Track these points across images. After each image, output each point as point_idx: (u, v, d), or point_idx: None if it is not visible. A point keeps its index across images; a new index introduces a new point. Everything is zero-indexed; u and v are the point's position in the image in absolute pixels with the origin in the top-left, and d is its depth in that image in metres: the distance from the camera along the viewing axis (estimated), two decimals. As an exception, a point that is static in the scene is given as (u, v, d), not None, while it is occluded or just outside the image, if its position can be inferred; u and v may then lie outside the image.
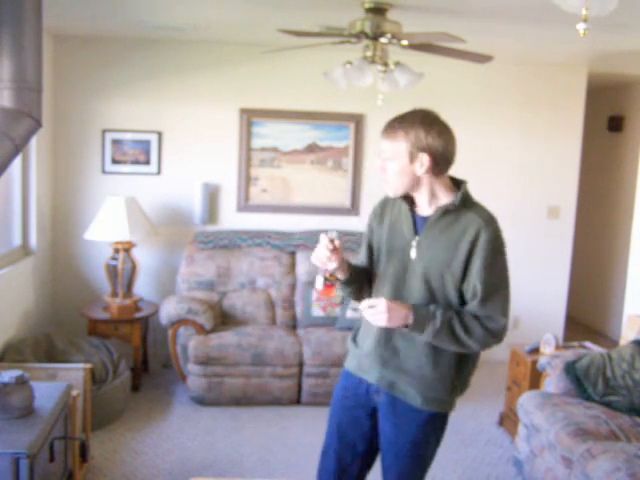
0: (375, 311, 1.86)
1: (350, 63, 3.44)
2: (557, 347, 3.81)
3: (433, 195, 1.98)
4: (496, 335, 1.94)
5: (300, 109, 4.85)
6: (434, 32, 3.17)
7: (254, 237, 4.74)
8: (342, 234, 1.94)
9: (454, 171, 2.04)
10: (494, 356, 5.21)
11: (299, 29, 3.40)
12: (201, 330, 4.11)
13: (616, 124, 6.12)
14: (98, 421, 3.64)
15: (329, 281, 1.98)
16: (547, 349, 3.82)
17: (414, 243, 1.98)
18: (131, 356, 4.27)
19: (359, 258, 2.19)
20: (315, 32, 3.42)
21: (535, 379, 3.69)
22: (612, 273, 6.10)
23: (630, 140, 5.91)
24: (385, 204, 2.13)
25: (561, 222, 5.29)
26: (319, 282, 1.99)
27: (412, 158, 1.91)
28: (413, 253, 1.97)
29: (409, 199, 2.02)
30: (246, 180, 4.91)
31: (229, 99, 4.82)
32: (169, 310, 4.15)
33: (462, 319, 1.90)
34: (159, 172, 4.81)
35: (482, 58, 3.49)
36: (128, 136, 4.75)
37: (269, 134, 4.90)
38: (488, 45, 4.10)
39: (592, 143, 6.10)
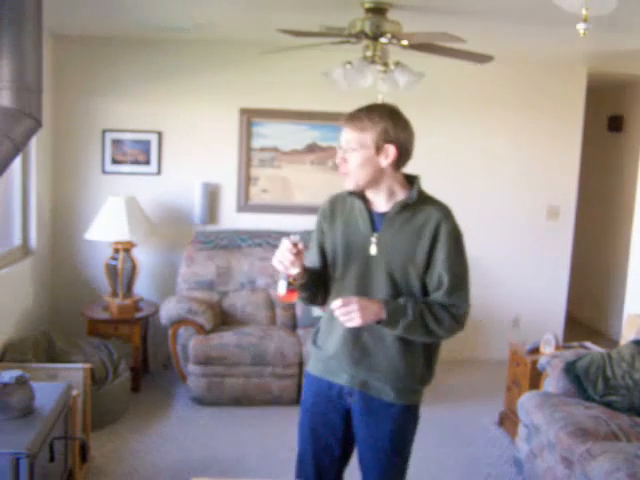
0: (348, 310, 1.84)
1: (350, 63, 3.44)
2: (557, 347, 3.81)
3: (391, 190, 1.99)
4: (461, 321, 1.99)
5: (300, 109, 4.85)
6: (434, 32, 3.17)
7: (254, 237, 4.74)
8: (305, 234, 1.93)
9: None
10: (494, 356, 5.22)
11: (299, 29, 3.40)
12: (201, 330, 4.11)
13: (616, 124, 6.12)
14: (98, 421, 3.64)
15: (292, 285, 1.93)
16: (547, 349, 3.82)
17: (373, 240, 1.97)
18: (131, 356, 4.27)
19: (310, 260, 2.12)
20: (315, 32, 3.42)
21: (535, 379, 3.69)
22: (612, 273, 6.10)
23: (630, 140, 5.91)
24: (334, 204, 2.09)
25: (561, 222, 5.29)
26: (282, 287, 1.93)
27: (378, 149, 1.92)
28: (373, 250, 1.97)
29: (362, 196, 2.02)
30: (246, 180, 4.91)
31: (229, 99, 4.82)
32: (169, 310, 4.15)
33: (431, 310, 1.93)
34: (159, 172, 4.82)
35: (482, 58, 3.49)
36: (128, 136, 4.75)
37: (269, 134, 4.90)
38: (488, 45, 4.09)
39: (592, 143, 6.10)
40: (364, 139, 1.90)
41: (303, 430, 2.19)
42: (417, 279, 1.96)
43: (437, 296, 1.95)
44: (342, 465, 2.20)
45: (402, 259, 1.95)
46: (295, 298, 1.97)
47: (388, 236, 1.96)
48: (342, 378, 2.06)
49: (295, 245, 1.87)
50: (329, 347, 2.07)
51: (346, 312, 1.84)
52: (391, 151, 1.92)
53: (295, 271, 1.90)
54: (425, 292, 1.99)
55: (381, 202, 2.00)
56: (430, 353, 2.07)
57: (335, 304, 1.86)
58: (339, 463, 2.19)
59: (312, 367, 2.18)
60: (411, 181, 2.03)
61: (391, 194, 1.99)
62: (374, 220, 1.99)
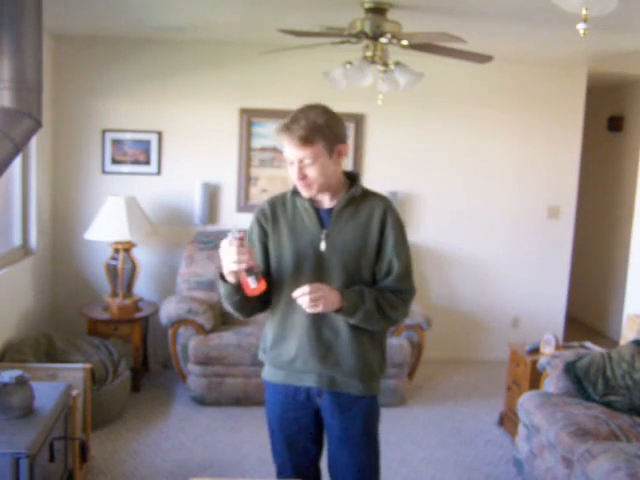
0: (312, 297, 1.84)
1: (350, 63, 3.44)
2: (557, 347, 3.81)
3: (337, 186, 2.02)
4: (409, 307, 2.06)
5: (300, 109, 4.84)
6: (434, 32, 3.17)
7: (254, 237, 4.73)
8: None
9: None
10: (494, 356, 5.22)
11: (299, 29, 3.40)
12: (201, 330, 4.11)
13: (616, 124, 6.12)
14: (98, 421, 3.64)
15: (258, 275, 1.90)
16: (547, 349, 3.82)
17: (322, 236, 1.99)
18: (131, 356, 4.27)
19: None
20: (315, 32, 3.42)
21: (535, 379, 3.69)
22: (612, 273, 6.10)
23: (630, 140, 5.91)
24: (274, 207, 2.08)
25: (561, 222, 5.29)
26: (252, 281, 1.89)
27: (331, 153, 1.94)
28: (323, 246, 1.99)
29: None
30: (246, 180, 4.91)
31: (229, 99, 4.82)
32: (169, 310, 4.15)
33: (385, 296, 1.98)
34: (159, 172, 4.82)
35: (482, 58, 3.49)
36: (128, 136, 4.75)
37: (269, 134, 4.89)
38: (488, 45, 4.09)
39: (592, 143, 6.10)
40: (316, 151, 1.90)
41: (278, 441, 2.20)
42: (368, 269, 2.01)
43: (387, 282, 2.01)
44: (317, 461, 2.24)
45: (353, 251, 1.99)
46: (264, 286, 1.93)
47: (336, 231, 1.99)
48: (309, 379, 2.07)
49: (241, 239, 1.85)
50: (290, 351, 2.06)
51: (314, 298, 1.84)
52: (343, 150, 1.98)
53: (252, 262, 1.87)
54: (374, 281, 2.04)
55: (326, 199, 2.03)
56: (383, 342, 2.13)
57: (303, 290, 1.85)
58: (316, 462, 2.24)
59: (271, 376, 2.16)
60: (351, 177, 2.08)
61: (336, 190, 2.03)
62: (321, 217, 2.02)
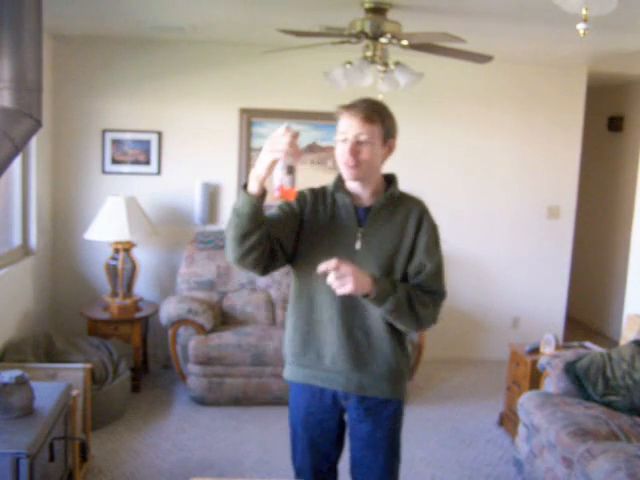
0: (340, 274, 1.77)
1: (350, 63, 3.44)
2: (557, 347, 3.81)
3: (377, 185, 2.02)
4: (439, 310, 2.00)
5: (300, 109, 4.85)
6: (434, 32, 3.17)
7: (254, 237, 4.73)
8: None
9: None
10: (494, 356, 5.22)
11: (299, 29, 3.40)
12: (201, 330, 4.11)
13: (616, 124, 6.12)
14: (98, 421, 3.64)
15: (294, 181, 1.78)
16: (547, 349, 3.82)
17: (358, 234, 1.98)
18: (131, 356, 4.27)
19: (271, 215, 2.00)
20: (315, 32, 3.42)
21: (535, 379, 3.69)
22: (612, 273, 6.10)
23: (630, 140, 5.91)
24: (315, 197, 2.05)
25: (561, 222, 5.29)
26: (289, 181, 1.75)
27: (383, 143, 1.95)
28: (358, 244, 1.97)
29: (346, 192, 2.02)
30: (246, 180, 4.90)
31: (229, 99, 4.82)
32: (169, 310, 4.15)
33: (417, 292, 1.94)
34: (159, 172, 4.82)
35: (482, 58, 3.49)
36: (128, 136, 4.75)
37: (269, 134, 4.85)
38: (488, 45, 4.09)
39: (592, 143, 6.10)
40: (374, 132, 1.91)
41: (300, 443, 2.15)
42: (401, 270, 1.98)
43: (418, 280, 1.97)
44: (337, 464, 2.22)
45: (387, 252, 1.97)
46: (295, 196, 1.82)
47: (373, 230, 1.98)
48: (335, 383, 2.03)
49: (295, 136, 1.75)
50: (317, 349, 2.02)
51: (340, 275, 1.77)
52: (392, 146, 1.99)
53: (293, 162, 1.76)
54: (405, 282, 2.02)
55: (366, 196, 2.01)
56: (407, 348, 2.10)
57: (330, 264, 1.77)
58: (335, 466, 2.21)
59: (294, 375, 2.11)
60: (388, 179, 2.07)
61: (376, 189, 2.02)
62: (358, 215, 2.00)
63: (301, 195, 2.04)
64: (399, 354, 2.03)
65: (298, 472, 2.19)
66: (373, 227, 1.98)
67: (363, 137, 1.90)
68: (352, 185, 2.01)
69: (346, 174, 1.96)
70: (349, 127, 1.91)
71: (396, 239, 1.97)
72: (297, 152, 1.75)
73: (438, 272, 1.99)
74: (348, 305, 1.97)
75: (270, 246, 1.91)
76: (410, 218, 1.99)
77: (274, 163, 1.77)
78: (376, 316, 1.97)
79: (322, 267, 1.80)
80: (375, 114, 1.91)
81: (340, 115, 1.94)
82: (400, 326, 1.96)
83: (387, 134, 1.95)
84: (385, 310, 1.88)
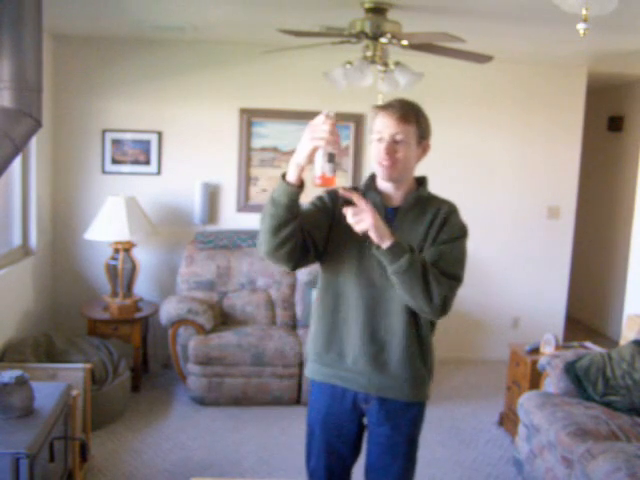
0: (359, 210, 1.78)
1: (350, 63, 3.44)
2: (557, 347, 3.81)
3: (410, 185, 2.01)
4: (451, 296, 1.88)
5: (300, 109, 4.85)
6: (434, 32, 3.17)
7: (254, 237, 4.74)
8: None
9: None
10: (494, 356, 5.22)
11: (299, 29, 3.40)
12: (201, 330, 4.11)
13: (616, 124, 6.12)
14: (98, 421, 3.64)
15: (335, 168, 1.77)
16: (547, 349, 3.82)
17: None
18: (131, 356, 4.27)
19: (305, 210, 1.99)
20: (315, 32, 3.42)
21: (535, 379, 3.69)
22: (612, 273, 6.10)
23: (630, 140, 5.91)
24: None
25: (561, 222, 5.29)
26: (330, 169, 1.74)
27: (418, 144, 1.95)
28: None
29: (377, 191, 2.01)
30: (246, 180, 4.91)
31: (229, 99, 4.82)
32: (169, 310, 4.15)
33: (433, 268, 1.87)
34: (159, 172, 4.82)
35: (482, 58, 3.49)
36: (128, 136, 4.75)
37: (269, 134, 4.90)
38: (488, 45, 4.10)
39: (592, 143, 6.10)
40: (410, 132, 1.91)
41: (316, 444, 2.13)
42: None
43: (436, 264, 1.91)
44: (351, 468, 2.19)
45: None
46: (334, 183, 1.79)
47: (400, 230, 1.96)
48: (356, 384, 2.01)
49: (333, 121, 1.74)
50: (340, 347, 2.01)
51: (358, 211, 1.78)
52: (427, 147, 1.99)
53: (335, 150, 1.75)
54: None
55: (397, 197, 2.00)
56: (432, 347, 2.08)
57: (350, 193, 1.81)
58: (349, 469, 2.18)
59: (316, 373, 2.09)
60: (419, 181, 2.06)
61: (408, 190, 2.01)
62: (387, 215, 1.99)
63: (334, 193, 2.03)
64: (423, 356, 2.01)
65: (311, 474, 2.17)
66: (400, 228, 1.96)
67: (399, 137, 1.90)
68: (384, 185, 2.00)
69: (381, 173, 1.95)
70: (385, 127, 1.91)
71: (422, 239, 1.96)
72: (338, 139, 1.74)
73: (458, 259, 1.94)
74: (373, 305, 1.96)
75: (302, 240, 1.91)
76: (437, 217, 1.97)
77: (314, 151, 1.75)
78: (401, 318, 1.95)
79: (344, 192, 1.82)
80: (411, 114, 1.92)
81: (375, 115, 1.94)
82: (410, 300, 1.87)
83: (422, 135, 1.95)
84: (398, 268, 1.81)
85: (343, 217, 1.92)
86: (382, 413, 2.02)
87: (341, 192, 1.85)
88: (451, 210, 2.00)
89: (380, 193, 2.01)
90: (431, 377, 2.08)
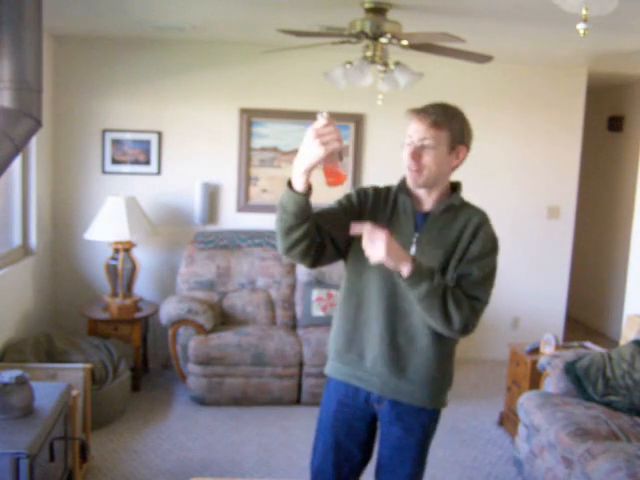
0: (373, 238, 1.75)
1: (350, 63, 3.44)
2: (557, 347, 3.81)
3: (442, 191, 1.97)
4: (476, 317, 1.91)
5: (300, 109, 4.85)
6: (434, 32, 3.17)
7: (254, 237, 4.74)
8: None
9: (454, 171, 2.05)
10: (494, 356, 5.22)
11: (299, 29, 3.40)
12: (201, 330, 4.11)
13: (616, 124, 6.12)
14: (98, 421, 3.64)
15: (342, 164, 1.76)
16: (547, 349, 3.82)
17: (414, 239, 1.94)
18: (131, 356, 4.27)
19: (329, 209, 1.99)
20: (315, 32, 3.42)
21: (535, 379, 3.69)
22: (612, 273, 6.10)
23: (630, 140, 5.91)
24: (377, 195, 2.02)
25: (561, 222, 5.29)
26: (339, 167, 1.74)
27: (451, 149, 1.91)
28: (413, 249, 1.94)
29: (409, 195, 1.99)
30: (246, 180, 4.91)
31: (229, 99, 4.82)
32: (169, 310, 4.15)
33: (454, 292, 1.86)
34: (159, 172, 4.82)
35: (482, 58, 3.49)
36: (128, 136, 4.75)
37: (269, 134, 4.90)
38: (488, 45, 4.10)
39: (592, 143, 6.10)
40: (440, 137, 1.88)
41: (323, 440, 2.11)
42: (452, 279, 1.91)
43: (461, 284, 1.90)
44: (361, 470, 2.17)
45: (440, 260, 1.91)
46: (344, 179, 1.77)
47: (428, 238, 1.94)
48: (373, 385, 2.00)
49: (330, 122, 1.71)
50: (359, 348, 2.00)
51: (372, 238, 1.75)
52: (462, 153, 1.94)
53: (340, 147, 1.72)
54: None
55: (428, 202, 1.97)
56: (453, 357, 2.06)
57: (365, 227, 1.77)
58: (358, 470, 2.15)
59: (334, 372, 2.08)
60: (453, 187, 2.03)
61: (441, 196, 1.98)
62: (416, 220, 1.97)
63: (363, 192, 2.02)
64: (442, 362, 1.99)
65: (317, 473, 2.14)
66: (429, 234, 1.94)
67: (427, 142, 1.87)
68: (415, 189, 1.97)
69: (408, 178, 1.93)
70: (415, 131, 1.89)
71: (450, 248, 1.92)
72: (341, 137, 1.71)
73: (485, 280, 1.92)
74: (395, 308, 1.93)
75: (320, 240, 1.89)
76: (468, 227, 1.93)
77: (331, 155, 1.72)
78: (422, 322, 1.92)
79: (356, 228, 1.79)
80: (443, 119, 1.88)
81: (410, 119, 1.92)
82: (431, 321, 1.87)
83: (455, 140, 1.91)
84: (417, 295, 1.82)
85: (371, 217, 1.93)
86: (394, 414, 2.01)
87: (352, 231, 1.81)
88: (483, 220, 1.96)
89: (412, 197, 1.98)
90: (450, 385, 2.06)
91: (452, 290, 1.86)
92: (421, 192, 1.97)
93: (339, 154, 1.74)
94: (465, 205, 2.00)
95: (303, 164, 1.73)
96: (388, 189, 2.04)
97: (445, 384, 2.03)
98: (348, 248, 2.00)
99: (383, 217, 1.98)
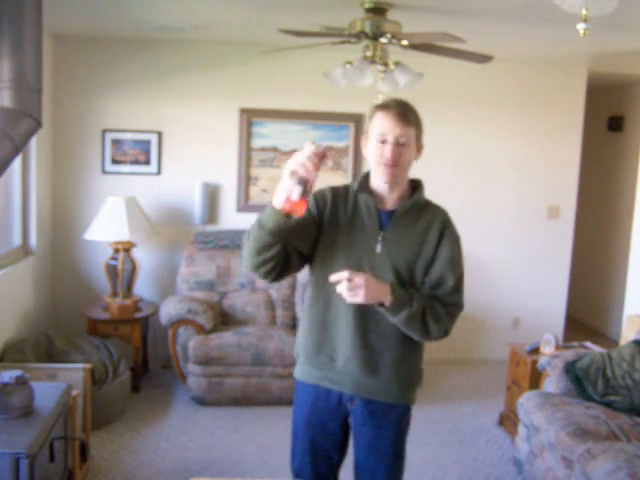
0: (352, 285, 1.78)
1: (350, 63, 3.44)
2: (557, 347, 3.81)
3: (404, 189, 1.99)
4: (452, 323, 1.98)
5: (300, 109, 4.85)
6: (434, 32, 3.17)
7: (254, 237, 4.73)
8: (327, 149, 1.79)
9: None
10: (494, 356, 5.22)
11: (299, 29, 3.40)
12: (201, 330, 4.11)
13: (616, 124, 6.12)
14: (98, 421, 3.64)
15: (305, 194, 1.73)
16: (547, 349, 3.82)
17: (379, 238, 1.95)
18: (131, 356, 4.27)
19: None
20: (315, 32, 3.42)
21: (535, 379, 3.69)
22: (612, 273, 6.10)
23: (630, 140, 5.91)
24: (335, 195, 2.01)
25: (561, 222, 5.29)
26: (296, 192, 1.71)
27: (416, 147, 1.95)
28: (379, 248, 1.94)
29: (370, 194, 1.98)
30: (246, 180, 4.91)
31: (229, 99, 4.82)
32: (169, 310, 4.15)
33: (433, 307, 1.92)
34: (159, 172, 4.82)
35: (482, 58, 3.49)
36: (128, 136, 4.75)
37: (269, 134, 4.90)
38: (488, 45, 4.10)
39: (592, 143, 6.10)
40: (411, 135, 1.91)
41: (300, 443, 2.13)
42: (421, 278, 1.96)
43: (438, 293, 1.95)
44: (339, 468, 2.19)
45: (408, 259, 1.94)
46: (303, 210, 1.76)
47: (394, 235, 1.95)
48: (344, 385, 2.01)
49: (321, 153, 1.74)
50: (331, 350, 2.00)
51: (352, 286, 1.78)
52: (421, 149, 1.98)
53: (314, 178, 1.73)
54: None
55: (392, 200, 1.98)
56: (422, 353, 2.09)
57: (341, 274, 1.80)
58: (336, 469, 2.18)
59: (305, 375, 2.09)
60: (414, 184, 2.04)
61: (402, 193, 1.99)
62: (381, 218, 1.97)
63: (320, 195, 2.01)
64: (413, 359, 2.03)
65: (297, 473, 2.17)
66: (395, 232, 1.95)
67: (402, 139, 1.89)
68: (379, 186, 1.98)
69: (384, 175, 1.92)
70: (389, 129, 1.88)
71: (416, 247, 1.95)
72: (313, 166, 1.72)
73: (459, 285, 1.98)
74: (364, 309, 1.94)
75: (286, 257, 1.90)
76: (432, 227, 1.96)
77: (293, 174, 1.73)
78: (390, 323, 1.94)
79: (334, 278, 1.82)
80: (411, 116, 1.91)
81: (374, 114, 1.92)
82: (410, 334, 1.94)
83: (418, 136, 1.95)
84: (398, 321, 1.88)
85: (332, 220, 1.94)
86: (366, 413, 2.03)
87: (331, 279, 1.83)
88: (446, 220, 2.00)
89: (373, 195, 1.98)
90: (420, 381, 2.10)
91: (430, 306, 1.91)
92: (384, 190, 1.98)
93: (300, 178, 1.73)
94: (428, 203, 2.03)
95: (281, 184, 1.76)
96: (346, 188, 2.04)
97: (416, 379, 2.07)
98: (313, 254, 2.00)
99: (344, 217, 1.98)
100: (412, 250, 1.94)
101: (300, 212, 1.75)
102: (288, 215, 1.77)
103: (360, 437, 2.07)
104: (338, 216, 1.98)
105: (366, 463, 2.09)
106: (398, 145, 1.89)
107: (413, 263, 1.95)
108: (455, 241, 1.98)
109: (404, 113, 1.89)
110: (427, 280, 1.96)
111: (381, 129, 1.90)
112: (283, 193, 1.75)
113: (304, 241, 1.96)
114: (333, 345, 2.00)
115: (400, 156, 1.90)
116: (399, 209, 1.96)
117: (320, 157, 1.75)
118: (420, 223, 1.97)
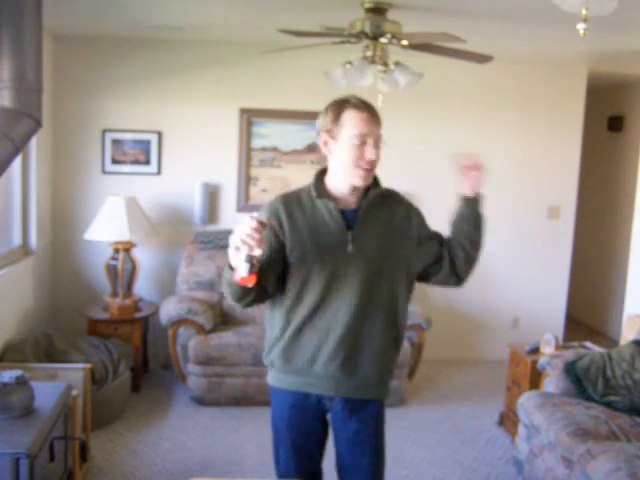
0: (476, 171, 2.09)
1: (350, 63, 3.44)
2: (557, 347, 3.81)
3: (366, 187, 2.00)
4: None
5: (300, 109, 4.85)
6: (434, 32, 3.17)
7: (254, 237, 4.73)
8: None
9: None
10: (494, 356, 5.22)
11: (299, 29, 3.40)
12: (201, 330, 4.11)
13: (616, 124, 6.12)
14: (98, 421, 3.64)
15: (254, 267, 1.74)
16: (547, 349, 3.82)
17: (349, 237, 1.93)
18: (131, 356, 4.27)
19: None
20: (315, 32, 3.42)
21: (535, 379, 3.69)
22: (612, 273, 6.10)
23: (630, 140, 5.91)
24: (288, 205, 1.97)
25: (561, 222, 5.29)
26: (243, 268, 1.73)
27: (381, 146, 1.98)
28: (350, 247, 1.93)
29: (327, 197, 1.97)
30: (246, 180, 4.91)
31: (229, 99, 4.82)
32: (169, 310, 4.15)
33: None
34: (159, 172, 4.82)
35: (482, 58, 3.49)
36: (128, 136, 4.75)
37: (269, 134, 4.90)
38: (488, 45, 4.09)
39: (592, 143, 6.10)
40: (380, 134, 1.95)
41: (283, 446, 2.13)
42: (404, 264, 2.00)
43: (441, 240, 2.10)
44: (321, 463, 2.21)
45: (380, 250, 1.96)
46: (254, 281, 1.77)
47: (363, 231, 1.95)
48: (324, 387, 2.00)
49: (261, 224, 1.72)
50: (308, 355, 1.97)
51: (471, 172, 2.05)
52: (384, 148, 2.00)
53: (258, 253, 1.73)
54: (418, 277, 2.08)
55: (353, 199, 1.98)
56: (400, 347, 2.11)
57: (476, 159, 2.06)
58: (319, 465, 2.20)
59: (279, 381, 2.10)
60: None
61: (364, 191, 1.99)
62: (346, 218, 1.96)
63: (273, 214, 1.96)
64: (391, 356, 2.05)
65: (282, 475, 2.17)
66: (362, 228, 1.95)
67: (379, 142, 1.93)
68: (336, 188, 1.96)
69: (361, 177, 1.91)
70: (370, 130, 1.89)
71: (387, 235, 1.97)
72: (256, 242, 1.70)
73: None
74: (364, 309, 1.95)
75: (264, 287, 1.91)
76: (396, 213, 2.01)
77: (236, 250, 1.73)
78: (380, 321, 1.96)
79: (468, 162, 2.11)
80: (379, 116, 1.95)
81: (347, 115, 1.89)
82: (471, 248, 2.10)
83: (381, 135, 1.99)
84: (478, 214, 2.08)
85: (292, 232, 1.92)
86: (347, 410, 2.04)
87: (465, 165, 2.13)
88: (401, 198, 2.07)
89: (333, 198, 1.96)
90: (392, 378, 2.13)
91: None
92: (342, 191, 1.97)
93: (246, 256, 1.73)
94: (388, 190, 2.07)
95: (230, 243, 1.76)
96: (298, 194, 2.01)
97: (392, 374, 2.09)
98: (287, 268, 1.96)
99: (305, 225, 1.95)
100: (383, 241, 1.97)
101: (252, 283, 1.78)
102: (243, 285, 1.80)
103: (342, 433, 2.08)
104: (298, 226, 1.94)
105: (350, 459, 2.10)
106: (377, 147, 1.91)
107: (387, 253, 1.96)
108: (420, 213, 2.08)
109: (376, 114, 1.93)
110: (431, 252, 2.05)
111: (360, 130, 1.88)
112: (239, 270, 1.75)
113: (276, 268, 1.94)
114: (310, 349, 1.97)
115: (378, 158, 1.93)
116: (363, 205, 1.97)
117: (263, 228, 1.74)
118: (383, 213, 2.00)
